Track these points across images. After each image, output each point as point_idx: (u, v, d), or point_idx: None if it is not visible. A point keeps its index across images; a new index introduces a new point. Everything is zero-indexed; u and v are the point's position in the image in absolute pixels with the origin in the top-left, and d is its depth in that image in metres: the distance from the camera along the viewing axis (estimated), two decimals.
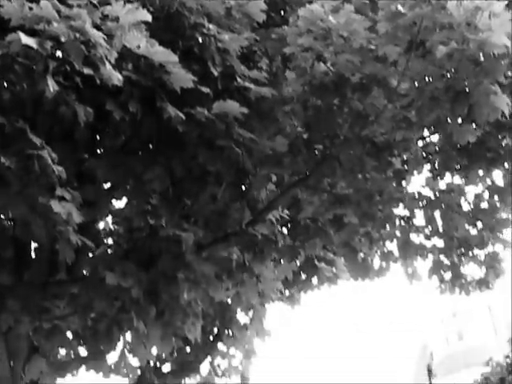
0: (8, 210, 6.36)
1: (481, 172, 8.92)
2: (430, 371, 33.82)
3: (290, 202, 7.98)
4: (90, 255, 6.73)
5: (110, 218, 7.92)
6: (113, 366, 7.58)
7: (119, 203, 7.73)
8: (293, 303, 10.25)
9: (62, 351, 7.60)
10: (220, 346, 8.92)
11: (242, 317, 8.82)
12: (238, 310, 8.70)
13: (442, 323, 33.14)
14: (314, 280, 9.51)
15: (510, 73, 7.24)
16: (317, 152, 7.25)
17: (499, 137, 8.38)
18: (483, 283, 9.29)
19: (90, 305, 6.51)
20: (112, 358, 7.66)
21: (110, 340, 6.90)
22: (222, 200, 6.88)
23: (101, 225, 7.95)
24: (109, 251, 6.93)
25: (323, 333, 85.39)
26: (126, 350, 7.42)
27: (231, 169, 6.55)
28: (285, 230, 8.35)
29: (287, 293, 10.02)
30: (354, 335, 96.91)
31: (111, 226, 7.89)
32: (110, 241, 7.65)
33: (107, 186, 7.44)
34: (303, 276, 9.51)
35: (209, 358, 9.01)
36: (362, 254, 9.37)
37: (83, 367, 7.76)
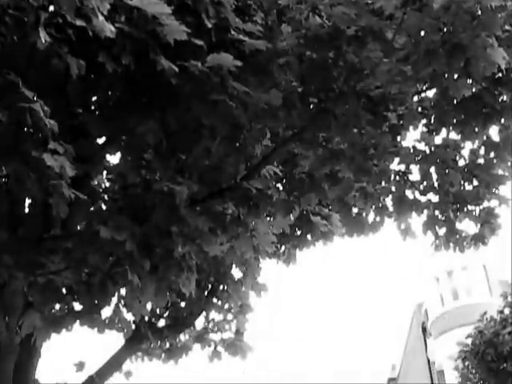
0: (1, 165, 6.32)
1: (476, 128, 8.88)
2: (424, 330, 34.10)
3: (284, 156, 7.96)
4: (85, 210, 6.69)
5: (104, 175, 7.91)
6: (107, 321, 7.62)
7: (114, 159, 7.70)
8: (288, 261, 10.24)
9: (57, 306, 7.62)
10: (215, 301, 8.94)
11: (236, 272, 8.83)
12: (233, 265, 8.69)
13: (437, 282, 33.27)
14: (309, 236, 9.49)
15: (507, 26, 7.19)
16: (312, 106, 7.21)
17: (496, 92, 8.35)
18: (478, 239, 9.30)
19: (84, 259, 6.51)
20: (106, 312, 7.71)
21: (105, 294, 6.89)
22: (216, 154, 6.84)
23: (96, 182, 7.93)
24: (103, 206, 6.91)
25: (316, 292, 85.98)
26: (120, 305, 7.45)
27: (226, 123, 6.50)
28: (280, 186, 8.33)
29: (282, 249, 10.01)
30: (347, 294, 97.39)
31: (106, 183, 7.88)
32: (104, 197, 7.63)
33: (101, 141, 7.39)
34: (298, 232, 9.50)
35: (204, 313, 9.04)
36: (356, 210, 9.37)
37: (77, 323, 7.80)
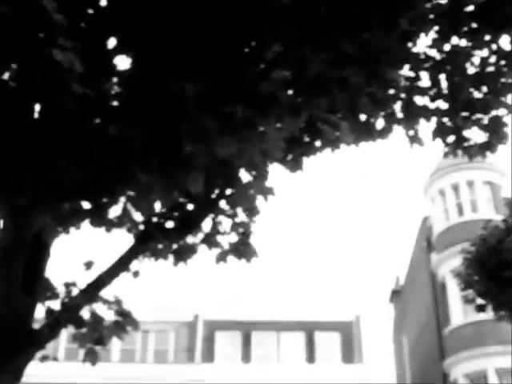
0: (11, 62, 6.30)
1: (488, 37, 8.80)
2: (429, 244, 34.37)
3: (295, 61, 7.90)
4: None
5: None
6: (115, 220, 7.71)
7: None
8: (295, 168, 10.22)
9: (66, 205, 7.71)
10: (222, 203, 9.00)
11: (244, 175, 8.83)
12: (241, 168, 8.71)
13: (443, 197, 33.36)
14: (317, 143, 9.49)
15: None
16: (322, 9, 7.13)
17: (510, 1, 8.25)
18: (486, 147, 9.31)
19: (93, 158, 6.56)
20: (115, 212, 7.79)
21: (113, 193, 6.99)
22: (226, 56, 6.80)
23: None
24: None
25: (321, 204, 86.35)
26: (128, 204, 7.52)
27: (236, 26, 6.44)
28: (289, 90, 8.28)
29: (290, 157, 10.00)
30: (352, 207, 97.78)
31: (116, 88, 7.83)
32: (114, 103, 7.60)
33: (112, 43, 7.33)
34: (306, 139, 9.48)
35: (211, 216, 9.12)
36: (364, 117, 9.34)
37: (86, 222, 7.91)
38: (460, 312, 30.92)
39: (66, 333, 32.20)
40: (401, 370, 42.99)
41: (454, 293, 31.16)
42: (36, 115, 7.33)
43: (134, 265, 8.81)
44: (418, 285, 38.02)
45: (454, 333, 30.79)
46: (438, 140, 9.39)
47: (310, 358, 33.93)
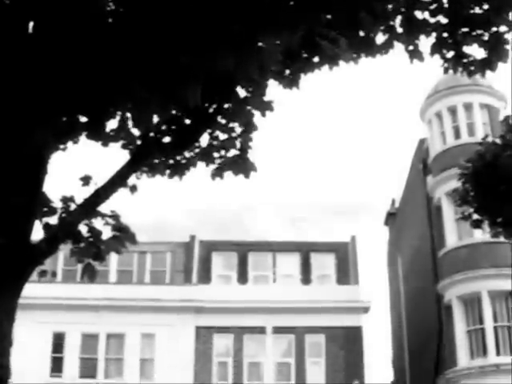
0: None
1: None
2: (425, 166, 34.42)
3: None
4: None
5: None
6: (112, 134, 7.66)
7: None
8: (292, 84, 10.09)
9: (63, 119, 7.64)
10: (219, 118, 8.92)
11: (241, 91, 8.74)
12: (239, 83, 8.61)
13: (440, 119, 33.25)
14: (316, 59, 9.37)
15: None
16: None
17: None
18: (486, 64, 9.19)
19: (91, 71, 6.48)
20: (112, 125, 7.74)
21: (110, 106, 6.93)
22: None
23: None
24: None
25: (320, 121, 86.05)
26: (126, 118, 7.46)
27: None
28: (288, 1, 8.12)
29: (287, 72, 9.87)
30: (349, 128, 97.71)
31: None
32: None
33: None
34: (304, 55, 9.35)
35: (208, 131, 9.05)
36: (363, 33, 9.19)
37: (84, 136, 7.87)
38: (455, 234, 31.19)
39: (63, 254, 32.48)
40: (395, 291, 43.51)
41: (449, 215, 31.37)
42: (30, 31, 7.23)
43: (132, 180, 8.79)
44: (413, 207, 38.21)
45: (448, 255, 31.09)
46: (437, 57, 9.28)
47: (306, 279, 34.29)
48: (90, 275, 8.74)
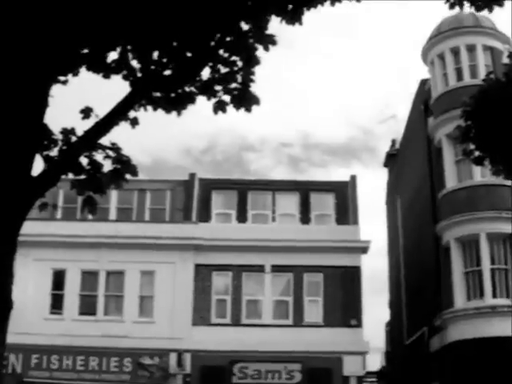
0: None
1: None
2: (426, 108, 34.24)
3: None
4: None
5: None
6: (113, 65, 7.57)
7: None
8: (294, 19, 9.93)
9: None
10: (221, 52, 8.79)
11: (243, 24, 8.62)
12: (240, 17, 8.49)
13: (442, 61, 32.94)
14: None
15: None
16: None
17: None
18: None
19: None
20: (112, 56, 7.64)
21: (111, 37, 6.84)
22: None
23: None
24: None
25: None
26: (127, 50, 7.38)
27: None
28: None
29: (290, 7, 9.73)
30: (349, 66, 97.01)
31: None
32: None
33: None
34: None
35: (210, 64, 8.93)
36: None
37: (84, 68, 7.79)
38: (454, 176, 31.17)
39: (63, 192, 32.54)
40: (393, 232, 43.75)
41: (450, 157, 31.33)
42: None
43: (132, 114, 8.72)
44: (413, 149, 38.16)
45: (447, 197, 31.11)
46: None
47: (305, 218, 34.33)
48: (91, 208, 8.75)
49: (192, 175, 35.44)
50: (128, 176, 8.92)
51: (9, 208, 7.54)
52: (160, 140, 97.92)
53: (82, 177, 8.55)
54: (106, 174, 8.62)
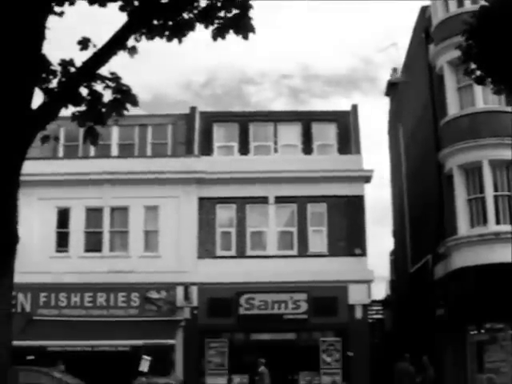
0: None
1: None
2: (427, 35, 33.83)
3: None
4: None
5: None
6: None
7: None
8: None
9: None
10: None
11: None
12: None
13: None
14: None
15: None
16: None
17: None
18: None
19: None
20: None
21: None
22: None
23: None
24: None
25: None
26: None
27: None
28: None
29: None
30: None
31: None
32: None
33: None
34: None
35: None
36: None
37: None
38: (456, 104, 30.97)
39: (64, 130, 32.48)
40: (396, 161, 43.76)
41: (451, 84, 31.09)
42: None
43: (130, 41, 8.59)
44: (415, 77, 37.88)
45: (449, 124, 30.97)
46: None
47: (307, 148, 34.20)
48: (93, 139, 8.69)
49: (193, 109, 35.22)
50: (129, 106, 8.84)
51: (11, 141, 7.53)
52: (159, 76, 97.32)
53: (83, 108, 8.49)
54: (107, 104, 8.55)
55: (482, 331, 28.71)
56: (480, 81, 8.73)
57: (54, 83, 8.48)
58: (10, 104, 7.52)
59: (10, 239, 7.46)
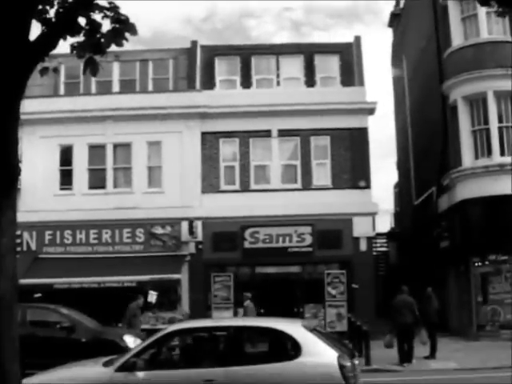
0: None
1: None
2: None
3: None
4: None
5: None
6: None
7: None
8: None
9: None
10: None
11: None
12: None
13: None
14: None
15: None
16: None
17: None
18: None
19: None
20: None
21: None
22: None
23: None
24: None
25: None
26: None
27: None
28: None
29: None
30: None
31: None
32: None
33: None
34: None
35: None
36: None
37: None
38: (461, 34, 30.61)
39: (64, 68, 32.26)
40: (400, 93, 43.52)
41: (456, 14, 30.70)
42: None
43: None
44: (418, 7, 37.41)
45: (454, 55, 30.66)
46: None
47: (310, 81, 33.91)
48: (92, 69, 8.55)
49: (194, 42, 34.84)
50: (129, 37, 8.68)
51: (9, 74, 7.43)
52: (159, 11, 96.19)
53: (82, 39, 8.34)
54: (106, 33, 8.40)
55: (486, 263, 28.89)
56: (484, 1, 8.52)
57: (51, 14, 8.32)
58: (8, 35, 7.39)
59: (10, 170, 7.40)
